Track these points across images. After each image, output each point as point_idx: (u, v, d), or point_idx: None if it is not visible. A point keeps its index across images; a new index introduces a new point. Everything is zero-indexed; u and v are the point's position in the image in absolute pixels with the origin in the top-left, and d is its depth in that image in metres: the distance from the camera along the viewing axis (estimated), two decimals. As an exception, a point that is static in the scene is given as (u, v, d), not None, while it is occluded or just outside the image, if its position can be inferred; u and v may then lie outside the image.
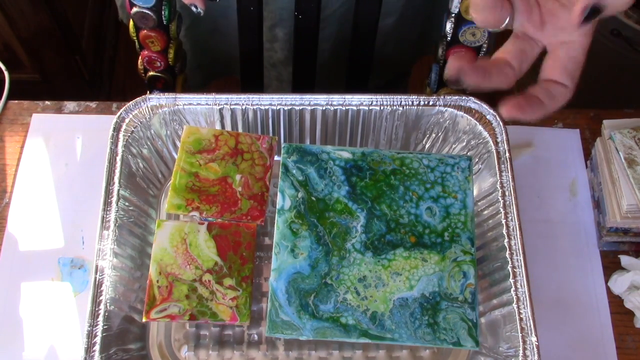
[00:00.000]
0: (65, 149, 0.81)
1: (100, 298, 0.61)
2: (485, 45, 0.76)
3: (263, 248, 0.72)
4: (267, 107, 0.71)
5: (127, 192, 0.67)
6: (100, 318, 0.61)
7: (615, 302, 0.72)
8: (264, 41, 0.90)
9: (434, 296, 0.59)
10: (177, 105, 0.70)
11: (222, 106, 0.70)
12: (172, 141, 0.74)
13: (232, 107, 0.71)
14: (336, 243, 0.61)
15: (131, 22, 0.78)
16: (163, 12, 0.75)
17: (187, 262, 0.63)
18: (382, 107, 0.71)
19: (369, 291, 0.59)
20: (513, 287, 0.61)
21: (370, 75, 0.95)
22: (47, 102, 0.84)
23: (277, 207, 0.62)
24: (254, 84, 0.94)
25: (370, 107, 0.71)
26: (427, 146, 0.75)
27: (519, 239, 0.63)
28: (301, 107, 0.71)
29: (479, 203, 0.70)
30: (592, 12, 0.43)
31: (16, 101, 0.85)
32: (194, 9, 0.65)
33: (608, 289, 0.73)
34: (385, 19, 0.88)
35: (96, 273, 0.62)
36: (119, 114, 0.69)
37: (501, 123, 0.69)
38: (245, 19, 0.82)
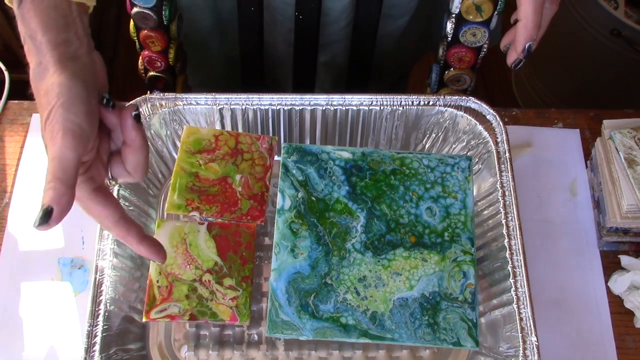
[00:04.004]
0: (65, 149, 0.81)
1: (100, 298, 0.61)
2: (485, 46, 0.76)
3: (263, 248, 0.72)
4: (267, 107, 0.71)
5: (127, 192, 0.67)
6: (100, 318, 0.61)
7: (615, 302, 0.72)
8: (285, 45, 0.89)
9: (434, 296, 0.59)
10: (177, 105, 0.70)
11: (222, 106, 0.70)
12: (172, 141, 0.74)
13: (232, 107, 0.71)
14: (336, 243, 0.61)
15: (131, 22, 0.78)
16: (163, 12, 0.75)
17: (187, 262, 0.63)
18: (382, 107, 0.71)
19: (369, 291, 0.59)
20: (513, 287, 0.61)
21: (373, 78, 0.95)
22: (47, 102, 0.84)
23: (277, 207, 0.62)
24: (254, 84, 0.94)
25: (370, 107, 0.71)
26: (427, 146, 0.75)
27: (519, 239, 0.63)
28: (301, 107, 0.71)
29: (479, 203, 0.70)
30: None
31: (16, 101, 0.85)
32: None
33: (608, 289, 0.73)
34: (397, 20, 0.87)
35: (96, 273, 0.62)
36: (119, 114, 0.69)
37: (501, 123, 0.69)
38: (245, 19, 0.82)
